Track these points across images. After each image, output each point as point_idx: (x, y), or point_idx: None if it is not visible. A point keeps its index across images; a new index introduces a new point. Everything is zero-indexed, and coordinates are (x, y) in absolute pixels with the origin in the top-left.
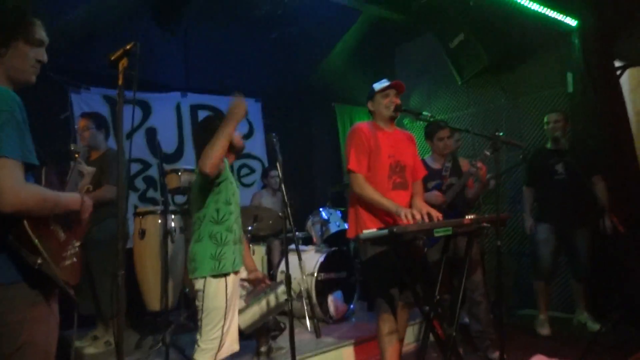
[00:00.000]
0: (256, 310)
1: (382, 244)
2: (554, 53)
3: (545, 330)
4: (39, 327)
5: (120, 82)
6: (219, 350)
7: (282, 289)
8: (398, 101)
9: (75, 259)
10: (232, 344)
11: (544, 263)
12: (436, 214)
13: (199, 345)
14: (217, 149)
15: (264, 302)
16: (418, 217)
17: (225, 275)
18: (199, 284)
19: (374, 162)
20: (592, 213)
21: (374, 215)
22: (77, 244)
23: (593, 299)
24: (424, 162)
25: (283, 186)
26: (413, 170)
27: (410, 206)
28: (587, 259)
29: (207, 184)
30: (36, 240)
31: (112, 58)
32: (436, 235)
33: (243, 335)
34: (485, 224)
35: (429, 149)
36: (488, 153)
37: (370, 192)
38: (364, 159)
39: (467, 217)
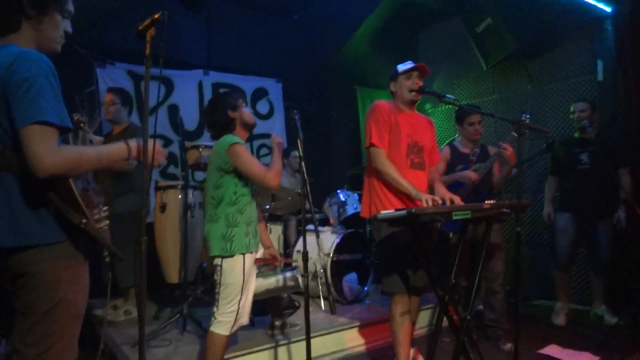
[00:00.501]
0: (261, 284)
1: (399, 225)
2: (585, 40)
3: (560, 320)
4: (74, 287)
5: (147, 51)
6: (235, 323)
7: (292, 274)
8: (421, 83)
9: (107, 221)
10: (245, 319)
11: (562, 252)
12: (458, 201)
13: (215, 318)
14: (279, 168)
15: (271, 279)
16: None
17: (242, 254)
18: (217, 260)
19: (393, 140)
20: (615, 205)
21: (391, 192)
22: (105, 207)
23: (612, 292)
24: (453, 145)
25: (303, 164)
26: (431, 153)
27: (431, 192)
28: (608, 252)
29: (229, 167)
30: (80, 200)
31: (140, 28)
32: (454, 218)
33: (259, 310)
34: (505, 210)
35: (450, 134)
36: (515, 134)
37: (392, 171)
38: (386, 135)
39: (486, 202)
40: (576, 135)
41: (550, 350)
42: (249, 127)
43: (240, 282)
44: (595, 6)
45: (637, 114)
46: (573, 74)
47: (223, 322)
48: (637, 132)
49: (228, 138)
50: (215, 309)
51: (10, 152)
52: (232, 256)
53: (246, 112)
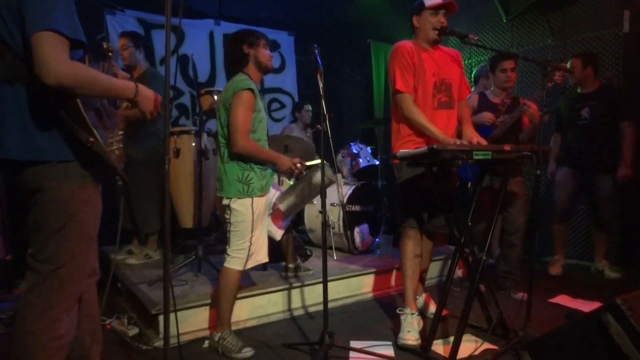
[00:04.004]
0: (294, 193)
1: (420, 164)
2: None
3: (555, 270)
4: (85, 207)
5: None
6: (247, 259)
7: (317, 176)
8: (445, 22)
9: (121, 146)
10: (261, 256)
11: (560, 204)
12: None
13: (228, 254)
14: (256, 155)
15: (300, 187)
16: None
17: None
18: (226, 200)
19: (418, 81)
20: (615, 160)
21: (418, 136)
22: (121, 132)
23: (614, 247)
24: (483, 94)
25: (323, 102)
26: (460, 86)
27: (459, 135)
28: (610, 208)
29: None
30: (88, 119)
31: None
32: (475, 157)
33: (272, 257)
34: (526, 153)
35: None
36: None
37: (418, 116)
38: (410, 78)
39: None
40: (578, 90)
41: (561, 299)
42: (262, 68)
43: (250, 219)
44: None
45: None
46: (597, 26)
47: (236, 258)
48: None
49: (244, 82)
50: (227, 247)
51: (22, 63)
52: (245, 198)
53: (264, 53)
